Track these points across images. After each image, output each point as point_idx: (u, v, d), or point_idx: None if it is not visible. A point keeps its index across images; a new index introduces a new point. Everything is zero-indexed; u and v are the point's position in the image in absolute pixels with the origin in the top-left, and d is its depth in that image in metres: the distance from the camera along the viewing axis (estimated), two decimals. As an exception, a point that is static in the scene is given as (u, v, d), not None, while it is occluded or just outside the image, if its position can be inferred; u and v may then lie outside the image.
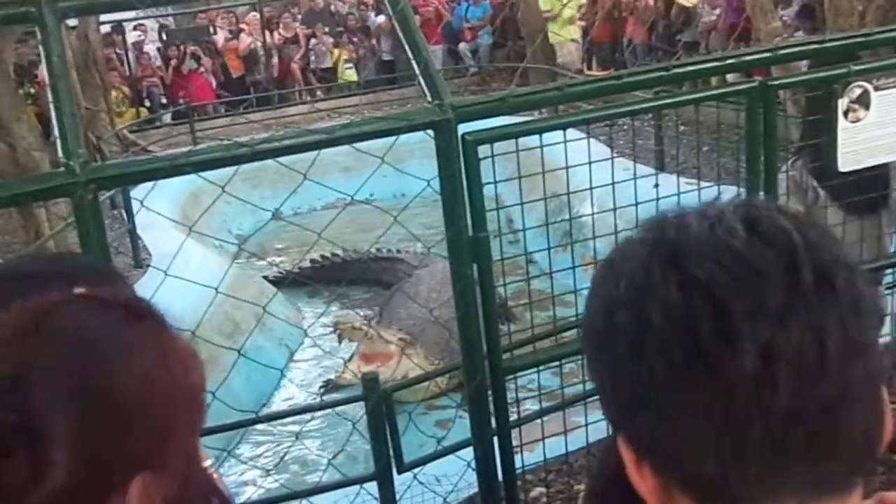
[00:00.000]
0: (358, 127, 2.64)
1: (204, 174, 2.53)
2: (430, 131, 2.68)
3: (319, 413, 5.46)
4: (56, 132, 2.49)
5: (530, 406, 3.74)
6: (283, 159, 2.56)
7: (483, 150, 2.79)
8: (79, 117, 2.55)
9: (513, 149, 2.97)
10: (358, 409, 3.81)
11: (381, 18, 17.05)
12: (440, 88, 2.65)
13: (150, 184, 2.51)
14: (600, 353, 0.85)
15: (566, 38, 13.60)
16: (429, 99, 2.66)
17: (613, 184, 3.16)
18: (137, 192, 7.09)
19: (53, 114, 2.52)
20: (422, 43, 2.69)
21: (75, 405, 0.91)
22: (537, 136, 2.96)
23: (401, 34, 2.71)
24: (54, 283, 1.08)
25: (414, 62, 2.67)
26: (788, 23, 11.70)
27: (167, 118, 14.93)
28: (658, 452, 0.82)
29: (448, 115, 2.64)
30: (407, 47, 2.69)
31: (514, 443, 3.18)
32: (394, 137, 2.65)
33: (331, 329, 7.29)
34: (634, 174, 3.22)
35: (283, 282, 8.91)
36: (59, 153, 2.46)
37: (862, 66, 3.13)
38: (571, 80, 3.80)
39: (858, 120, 3.24)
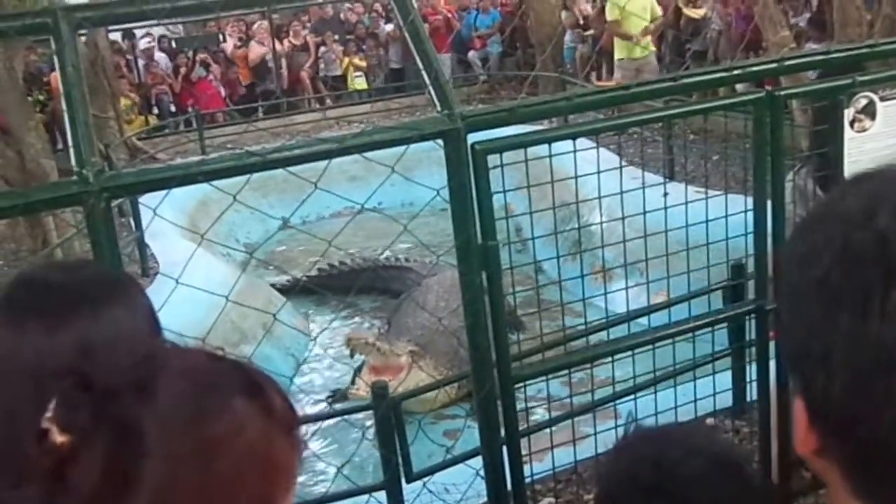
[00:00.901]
0: (368, 136, 2.66)
1: (213, 182, 2.55)
2: (440, 140, 2.70)
3: (328, 421, 5.46)
4: (69, 140, 2.52)
5: (540, 415, 3.75)
6: (292, 168, 2.58)
7: (493, 159, 2.81)
8: (92, 126, 2.58)
9: (522, 158, 2.98)
10: (367, 418, 3.83)
11: (390, 27, 17.11)
12: (450, 98, 2.66)
13: (159, 192, 2.54)
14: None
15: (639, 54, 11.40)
16: (438, 108, 2.67)
17: (622, 193, 3.18)
18: (146, 199, 7.12)
19: (67, 123, 2.55)
20: (432, 53, 2.71)
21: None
22: (547, 145, 2.97)
23: (411, 44, 2.73)
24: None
25: (424, 72, 2.69)
26: (803, 28, 11.73)
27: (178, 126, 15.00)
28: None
29: (457, 125, 2.65)
30: (417, 57, 2.71)
31: (523, 452, 3.19)
32: (403, 147, 2.67)
33: (343, 343, 7.30)
34: (643, 183, 3.24)
35: (290, 290, 8.93)
36: (73, 161, 2.48)
37: (867, 77, 3.14)
38: (580, 90, 3.82)
39: (864, 130, 3.25)
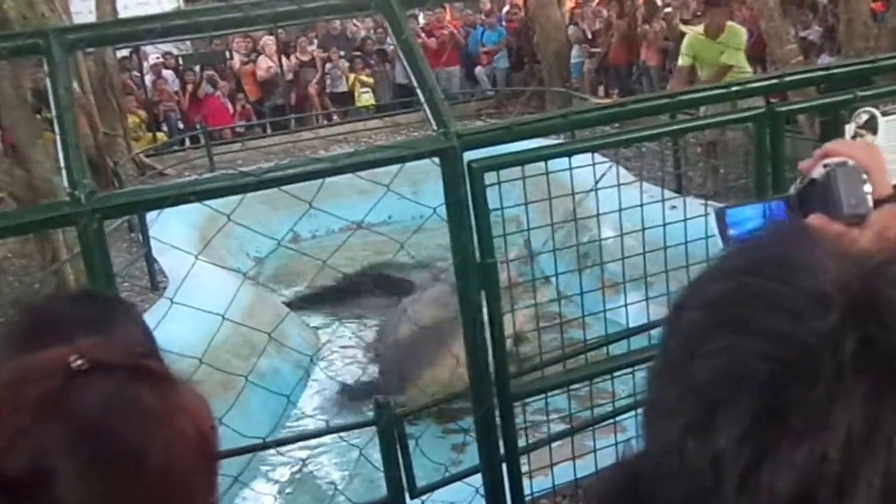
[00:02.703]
0: (362, 156, 2.65)
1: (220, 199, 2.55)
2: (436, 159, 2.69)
3: (332, 437, 5.46)
4: (61, 162, 2.52)
5: (540, 431, 3.72)
6: (305, 183, 2.58)
7: (492, 176, 2.79)
8: (83, 148, 2.58)
9: (521, 175, 2.97)
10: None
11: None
12: (445, 117, 2.65)
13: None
14: None
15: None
16: (434, 127, 2.66)
17: (620, 210, 3.16)
18: (155, 215, 7.13)
19: (59, 144, 2.55)
20: (427, 71, 2.70)
21: (100, 486, 0.90)
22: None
23: (405, 63, 2.72)
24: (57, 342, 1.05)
25: (419, 90, 2.69)
26: (813, 41, 11.72)
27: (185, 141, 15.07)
28: None
29: (453, 143, 2.64)
30: (412, 76, 2.71)
31: (524, 468, 3.16)
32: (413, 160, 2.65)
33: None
34: (641, 199, 3.22)
35: (298, 303, 8.97)
36: (65, 182, 2.48)
37: (869, 92, 3.12)
38: (578, 106, 3.80)
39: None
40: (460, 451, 4.93)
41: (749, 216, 1.20)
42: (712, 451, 0.60)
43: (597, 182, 3.09)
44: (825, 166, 1.12)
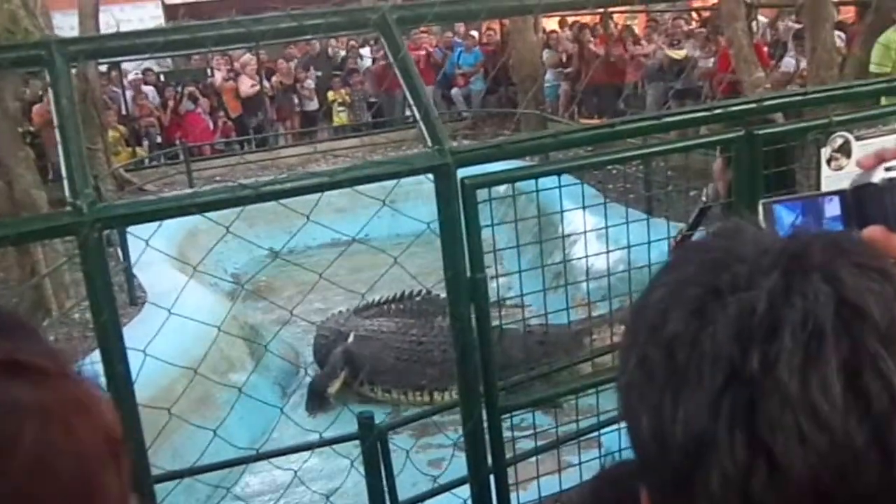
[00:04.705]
0: (359, 170, 2.72)
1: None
2: (430, 175, 2.76)
3: (315, 450, 5.46)
4: (63, 171, 2.56)
5: (524, 445, 3.77)
6: (282, 200, 2.63)
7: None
8: (87, 157, 2.62)
9: (506, 192, 3.05)
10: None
11: (369, 62, 17.41)
12: (440, 134, 2.72)
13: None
14: None
15: None
16: (429, 144, 2.73)
17: (607, 227, 3.24)
18: (135, 229, 7.11)
19: (61, 154, 2.58)
20: (422, 89, 2.78)
21: None
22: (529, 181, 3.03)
23: (401, 81, 2.79)
24: None
25: (415, 108, 2.76)
26: (789, 72, 11.99)
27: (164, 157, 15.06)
28: None
29: (448, 160, 2.71)
30: (408, 94, 2.78)
31: (510, 481, 3.21)
32: (391, 180, 2.72)
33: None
34: (627, 219, 3.30)
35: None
36: (66, 192, 2.52)
37: (843, 117, 3.23)
38: (566, 127, 3.89)
39: (841, 168, 3.33)
40: (437, 468, 4.96)
41: (797, 210, 1.17)
42: (666, 336, 0.71)
43: (585, 206, 3.17)
44: (888, 169, 1.09)
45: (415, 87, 2.75)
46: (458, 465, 3.67)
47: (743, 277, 0.71)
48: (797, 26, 12.66)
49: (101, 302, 2.52)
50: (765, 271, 0.70)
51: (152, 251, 3.08)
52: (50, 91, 2.70)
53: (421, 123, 2.73)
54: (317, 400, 8.09)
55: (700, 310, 0.70)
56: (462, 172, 2.83)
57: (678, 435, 0.69)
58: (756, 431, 0.66)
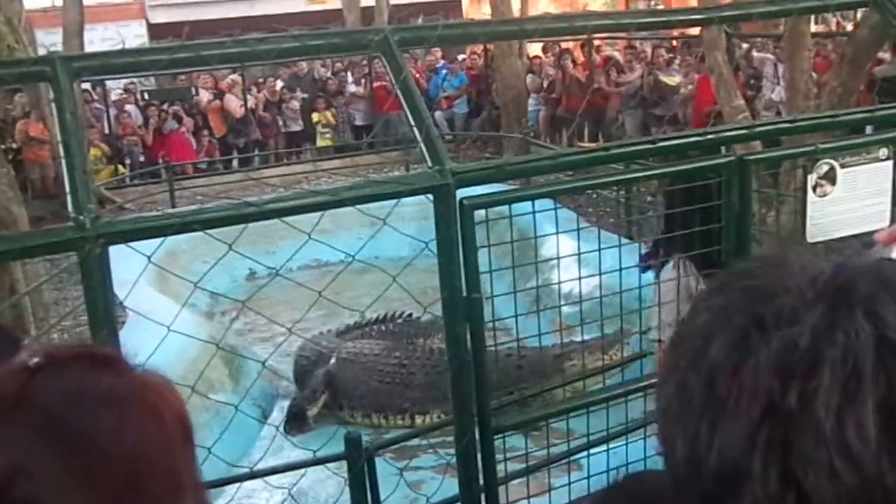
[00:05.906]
0: (361, 189, 2.74)
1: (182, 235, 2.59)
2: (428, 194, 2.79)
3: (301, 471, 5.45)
4: (67, 186, 2.57)
5: (511, 466, 3.79)
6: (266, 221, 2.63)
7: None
8: (91, 173, 2.63)
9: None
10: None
11: (353, 87, 17.51)
12: (441, 154, 2.76)
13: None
14: None
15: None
16: (429, 164, 2.77)
17: (600, 250, 3.28)
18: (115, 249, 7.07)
19: (65, 169, 2.59)
20: (423, 110, 2.81)
21: (75, 475, 0.87)
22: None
23: (403, 102, 2.82)
24: None
25: (416, 129, 2.79)
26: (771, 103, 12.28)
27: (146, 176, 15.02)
28: None
29: (448, 181, 2.74)
30: (409, 115, 2.81)
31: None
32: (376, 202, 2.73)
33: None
34: (619, 243, 3.36)
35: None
36: (70, 207, 2.53)
37: (829, 145, 3.30)
38: (563, 150, 3.95)
39: (826, 195, 3.41)
40: (418, 489, 4.96)
41: None
42: (707, 364, 0.73)
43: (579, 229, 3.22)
44: None
45: (416, 108, 2.79)
46: (440, 488, 3.70)
47: (787, 310, 0.72)
48: (771, 57, 12.96)
49: (101, 318, 2.52)
50: (809, 305, 0.72)
51: (130, 271, 3.08)
52: (53, 106, 2.71)
53: (422, 144, 2.76)
54: (296, 421, 8.05)
55: (743, 340, 0.72)
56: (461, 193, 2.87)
57: (712, 462, 0.71)
58: (789, 465, 0.68)
